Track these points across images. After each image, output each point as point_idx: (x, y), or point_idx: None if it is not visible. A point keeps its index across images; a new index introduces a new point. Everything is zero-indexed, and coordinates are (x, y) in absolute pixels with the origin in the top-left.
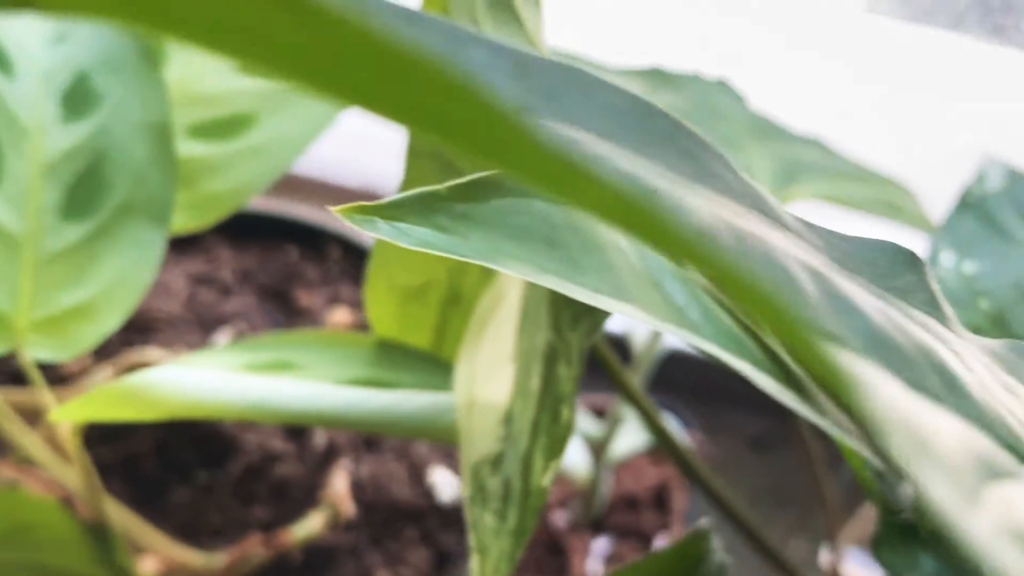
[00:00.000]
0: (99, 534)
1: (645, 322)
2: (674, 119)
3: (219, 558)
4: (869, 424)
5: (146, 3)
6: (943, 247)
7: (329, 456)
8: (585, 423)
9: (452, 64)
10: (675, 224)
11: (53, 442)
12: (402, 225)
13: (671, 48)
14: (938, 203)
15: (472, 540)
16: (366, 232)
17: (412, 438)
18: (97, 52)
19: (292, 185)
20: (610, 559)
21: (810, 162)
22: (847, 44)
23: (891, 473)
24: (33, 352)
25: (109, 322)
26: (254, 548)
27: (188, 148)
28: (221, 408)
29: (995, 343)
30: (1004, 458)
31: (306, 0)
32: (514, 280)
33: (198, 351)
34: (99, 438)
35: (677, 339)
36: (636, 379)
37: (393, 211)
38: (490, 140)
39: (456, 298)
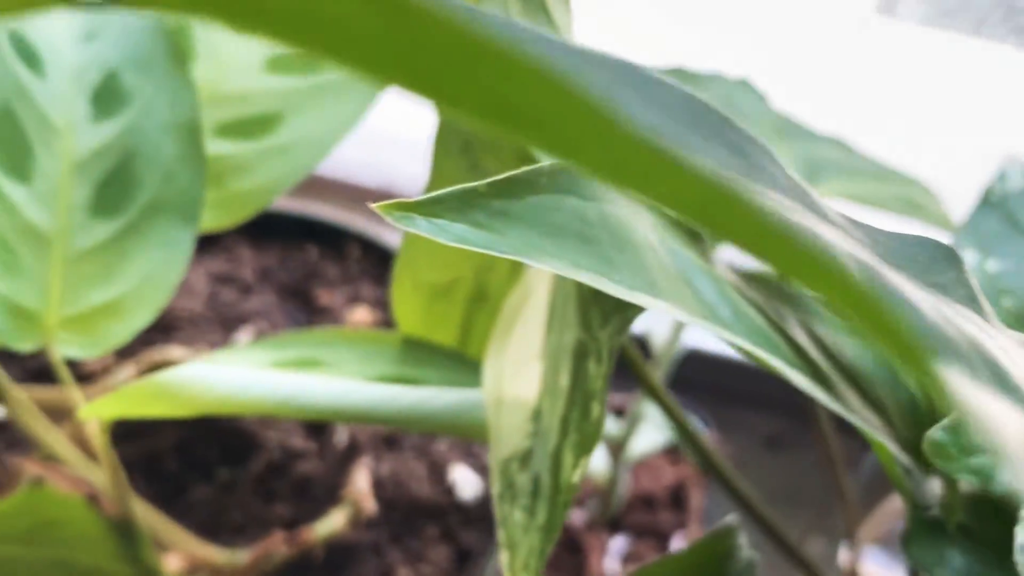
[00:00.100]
0: (125, 531)
1: (680, 318)
2: (722, 114)
3: (242, 555)
4: (964, 417)
5: None
6: (965, 246)
7: (350, 454)
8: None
9: (547, 60)
10: (764, 219)
11: (77, 439)
12: (440, 221)
13: (684, 50)
14: (955, 203)
15: (501, 536)
16: (406, 228)
17: (440, 434)
18: (126, 51)
19: (312, 185)
20: (627, 558)
21: (832, 161)
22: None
23: (920, 469)
24: (62, 349)
25: (138, 319)
26: (277, 546)
27: (215, 147)
28: (251, 404)
29: None
30: None
31: None
32: (541, 278)
33: (221, 350)
34: (121, 436)
35: (694, 339)
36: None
37: (432, 208)
38: (595, 141)
39: (482, 296)
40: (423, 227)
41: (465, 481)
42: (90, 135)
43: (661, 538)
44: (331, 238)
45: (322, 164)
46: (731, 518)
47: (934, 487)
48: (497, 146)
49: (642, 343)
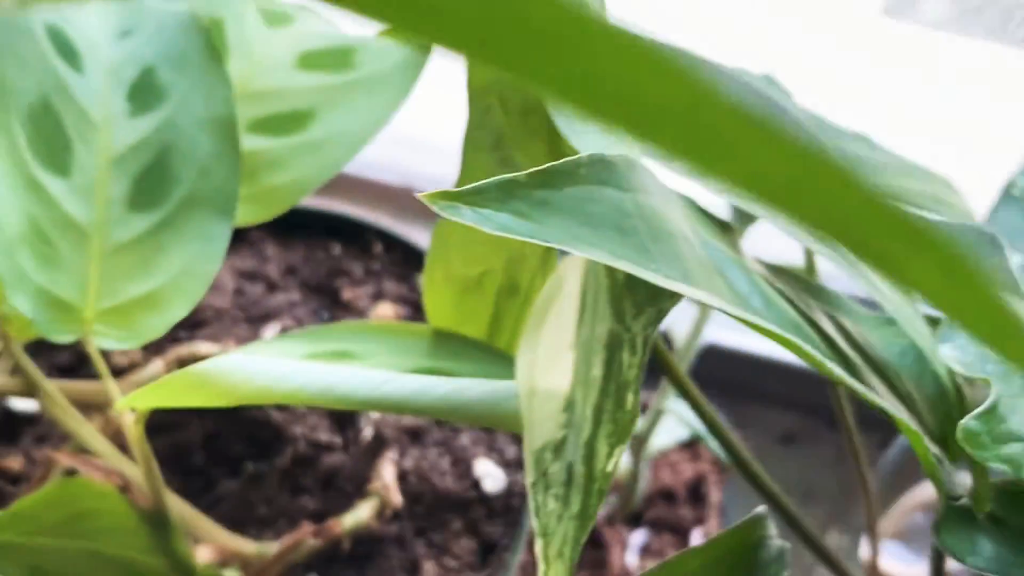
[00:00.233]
0: (158, 523)
1: (716, 306)
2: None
3: (271, 547)
4: None
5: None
6: None
7: (376, 447)
8: None
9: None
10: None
11: (107, 432)
12: (484, 211)
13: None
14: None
15: (536, 525)
16: (451, 217)
17: (473, 425)
18: (161, 47)
19: (336, 183)
20: (647, 553)
21: (859, 157)
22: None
23: (948, 460)
24: (99, 341)
25: (175, 312)
26: (305, 537)
27: (248, 143)
28: (289, 395)
29: None
30: None
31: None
32: (573, 270)
33: (250, 345)
34: (149, 430)
35: (711, 335)
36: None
37: (475, 197)
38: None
39: (513, 289)
40: (468, 216)
41: (489, 475)
42: (127, 130)
43: (680, 533)
44: (355, 235)
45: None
46: (761, 509)
47: (963, 477)
48: (528, 141)
49: (664, 338)
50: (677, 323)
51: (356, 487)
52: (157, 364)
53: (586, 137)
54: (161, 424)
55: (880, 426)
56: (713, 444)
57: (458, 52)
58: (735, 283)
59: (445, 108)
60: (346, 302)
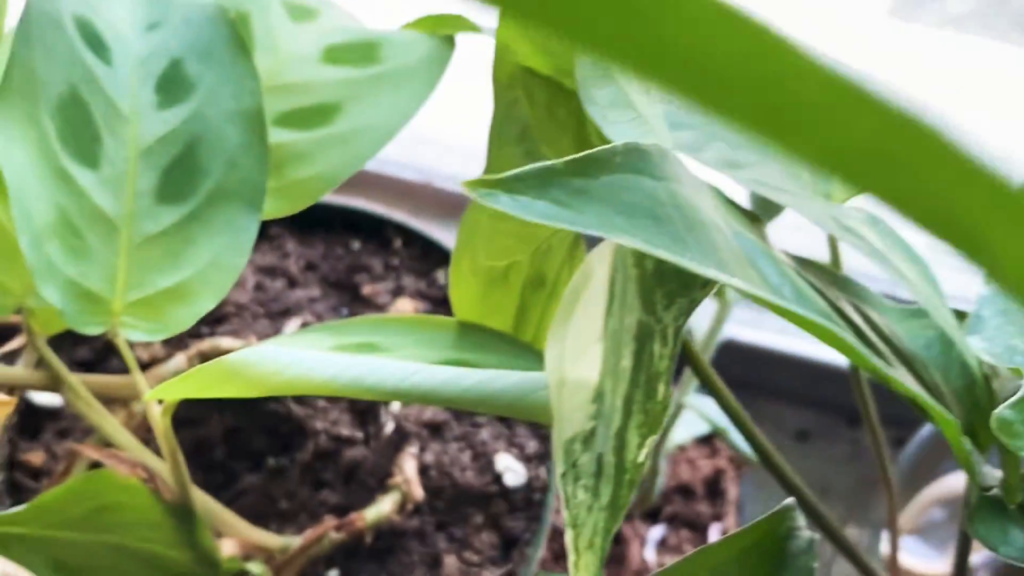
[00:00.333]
0: (183, 516)
1: (756, 295)
2: None
3: (294, 541)
4: None
5: None
6: None
7: (397, 442)
8: None
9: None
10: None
11: (130, 426)
12: (522, 198)
13: None
14: None
15: (566, 515)
16: (490, 204)
17: (503, 415)
18: (188, 39)
19: (354, 179)
20: (664, 548)
21: None
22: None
23: (977, 451)
24: (127, 333)
25: (203, 304)
26: (328, 531)
27: (275, 136)
28: (321, 385)
29: None
30: None
31: None
32: (601, 262)
33: (275, 338)
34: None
35: (729, 331)
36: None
37: (514, 185)
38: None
39: (539, 281)
40: (505, 203)
41: (510, 469)
42: (156, 122)
43: (698, 529)
44: (375, 231)
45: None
46: (790, 500)
47: (993, 468)
48: (555, 134)
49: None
50: (696, 319)
51: (378, 481)
52: (179, 359)
53: (618, 126)
54: (182, 419)
55: (895, 423)
56: (736, 438)
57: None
58: (767, 274)
59: (462, 107)
60: (366, 297)
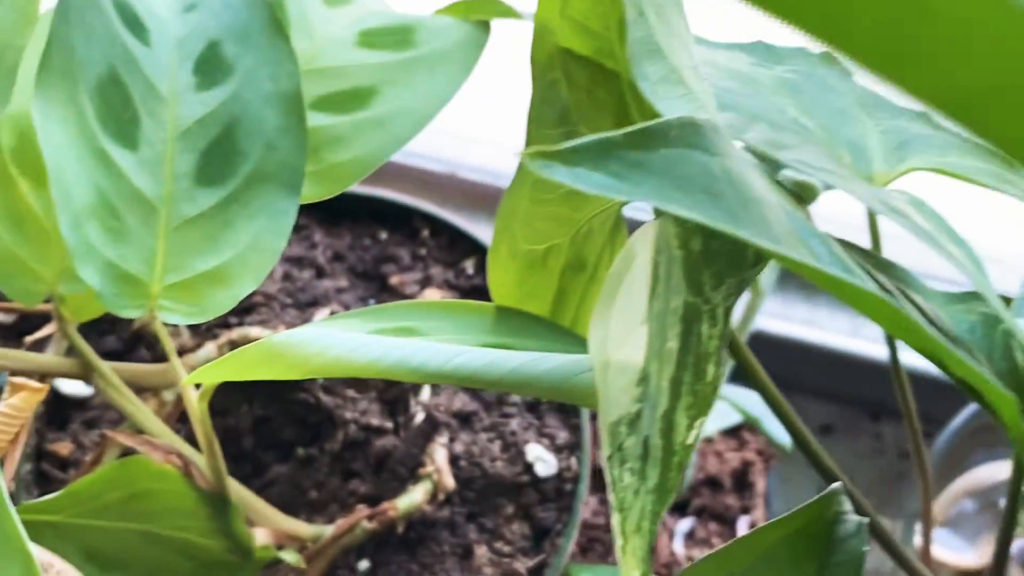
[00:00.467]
0: (217, 504)
1: (813, 270)
2: None
3: (326, 530)
4: None
5: None
6: None
7: (428, 431)
8: None
9: None
10: None
11: (161, 414)
12: (579, 170)
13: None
14: None
15: (612, 499)
16: (548, 176)
17: (547, 399)
18: (226, 21)
19: (380, 171)
20: (692, 540)
21: (920, 135)
22: None
23: None
24: (165, 316)
25: (242, 287)
26: (360, 520)
27: (312, 120)
28: (365, 367)
29: None
30: None
31: None
32: (644, 245)
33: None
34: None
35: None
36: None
37: (572, 156)
38: None
39: (579, 265)
40: (563, 175)
41: (540, 459)
42: (194, 104)
43: (726, 521)
44: (402, 221)
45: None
46: (837, 485)
47: None
48: (595, 115)
49: None
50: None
51: (408, 471)
52: (209, 348)
53: (669, 102)
54: (211, 409)
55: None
56: (770, 428)
57: None
58: (819, 253)
59: (486, 99)
60: (393, 288)
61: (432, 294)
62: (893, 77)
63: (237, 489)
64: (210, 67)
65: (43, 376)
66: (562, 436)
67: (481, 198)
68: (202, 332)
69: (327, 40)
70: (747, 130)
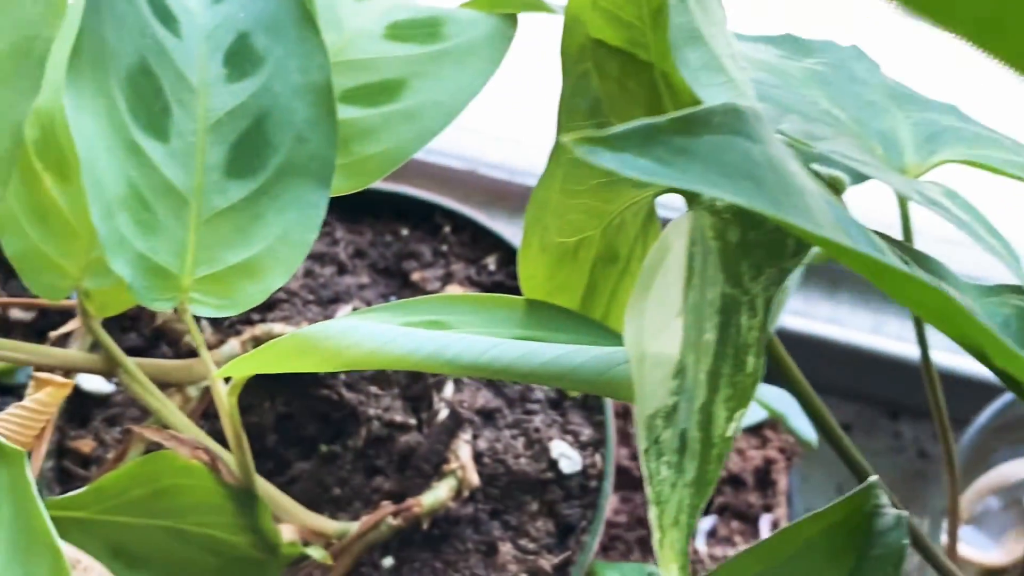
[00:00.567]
0: (244, 499)
1: (864, 253)
2: None
3: (352, 526)
4: None
5: None
6: None
7: (451, 427)
8: None
9: None
10: None
11: (185, 410)
12: (626, 156)
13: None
14: None
15: (649, 492)
16: (593, 161)
17: (582, 392)
18: (256, 12)
19: (400, 167)
20: (714, 539)
21: (949, 127)
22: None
23: None
24: (196, 308)
25: (273, 280)
26: (385, 517)
27: (341, 112)
28: (399, 359)
29: None
30: None
31: None
32: (678, 236)
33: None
34: (215, 414)
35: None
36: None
37: (618, 142)
38: None
39: (611, 257)
40: (609, 160)
41: (564, 456)
42: (225, 96)
43: (748, 520)
44: (423, 217)
45: None
46: (874, 478)
47: None
48: (627, 106)
49: None
50: None
51: (433, 467)
52: (233, 344)
53: (710, 89)
54: None
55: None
56: (797, 424)
57: None
58: (857, 243)
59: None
60: (415, 284)
61: (454, 290)
62: None
63: (263, 485)
64: (240, 59)
65: (68, 372)
66: (586, 433)
67: (501, 195)
68: (224, 329)
69: (356, 32)
70: (781, 121)
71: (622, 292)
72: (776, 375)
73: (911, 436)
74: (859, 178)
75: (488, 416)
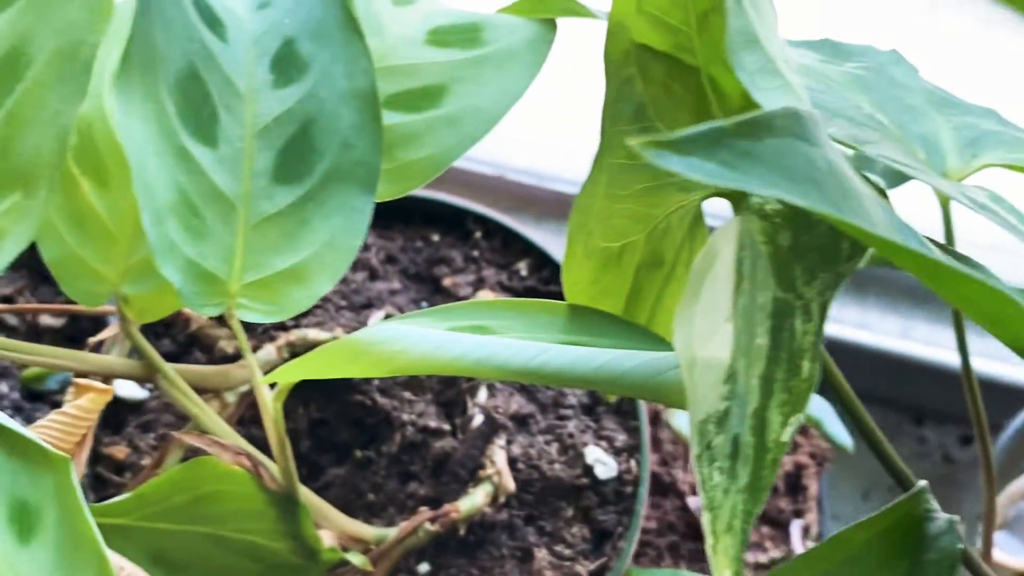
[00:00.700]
0: (285, 505)
1: (924, 255)
2: None
3: (390, 532)
4: None
5: None
6: None
7: (486, 433)
8: None
9: None
10: None
11: (223, 415)
12: (692, 159)
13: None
14: None
15: (702, 498)
16: (660, 164)
17: (632, 397)
18: (301, 18)
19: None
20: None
21: (989, 131)
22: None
23: None
24: (243, 314)
25: (320, 286)
26: (423, 522)
27: (384, 118)
28: (449, 364)
29: None
30: None
31: None
32: (726, 242)
33: (379, 323)
34: (251, 420)
35: None
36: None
37: (685, 145)
38: None
39: (656, 263)
40: (676, 164)
41: (599, 462)
42: (272, 101)
43: (779, 525)
44: (455, 223)
45: None
46: (922, 483)
47: None
48: (672, 111)
49: None
50: None
51: (468, 473)
52: (268, 349)
53: (767, 93)
54: None
55: (964, 421)
56: (833, 429)
57: None
58: (913, 247)
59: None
60: (447, 290)
61: (486, 295)
62: None
63: (303, 491)
64: (286, 64)
65: (107, 378)
66: (620, 439)
67: (529, 200)
68: (258, 334)
69: (397, 38)
70: (829, 125)
71: (667, 297)
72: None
73: (936, 441)
74: (895, 182)
75: (522, 421)
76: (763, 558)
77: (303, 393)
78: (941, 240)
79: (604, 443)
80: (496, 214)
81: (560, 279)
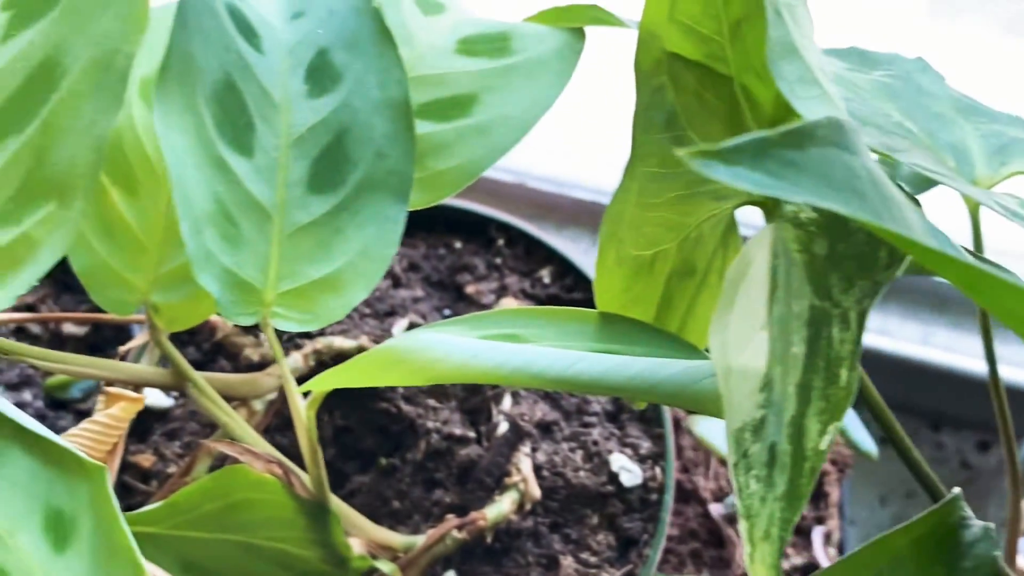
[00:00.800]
0: (316, 513)
1: (965, 263)
2: None
3: (418, 540)
4: None
5: None
6: None
7: (512, 440)
8: None
9: None
10: None
11: (251, 423)
12: (739, 169)
13: None
14: None
15: (739, 506)
16: (707, 174)
17: (668, 405)
18: (335, 28)
19: None
20: None
21: (1017, 139)
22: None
23: None
24: (278, 323)
25: (354, 295)
26: (451, 530)
27: (416, 127)
28: (487, 372)
29: None
30: None
31: None
32: (760, 250)
33: (408, 333)
34: (277, 428)
35: None
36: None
37: (731, 155)
38: None
39: (687, 271)
40: (723, 173)
41: (624, 469)
42: (306, 111)
43: (801, 532)
44: (476, 230)
45: None
46: (956, 490)
47: None
48: (704, 119)
49: None
50: None
51: (494, 480)
52: (295, 357)
53: (807, 102)
54: (289, 421)
55: (980, 426)
56: (857, 436)
57: None
58: (951, 252)
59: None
60: (470, 297)
61: (509, 303)
62: None
63: (332, 499)
64: (320, 74)
65: (137, 386)
66: (645, 446)
67: (550, 207)
68: (283, 342)
69: (427, 48)
70: (862, 134)
71: (699, 305)
72: None
73: (953, 447)
74: (919, 189)
75: (546, 429)
76: (785, 565)
77: (328, 401)
78: (970, 247)
79: (629, 450)
80: (519, 221)
81: (583, 286)
